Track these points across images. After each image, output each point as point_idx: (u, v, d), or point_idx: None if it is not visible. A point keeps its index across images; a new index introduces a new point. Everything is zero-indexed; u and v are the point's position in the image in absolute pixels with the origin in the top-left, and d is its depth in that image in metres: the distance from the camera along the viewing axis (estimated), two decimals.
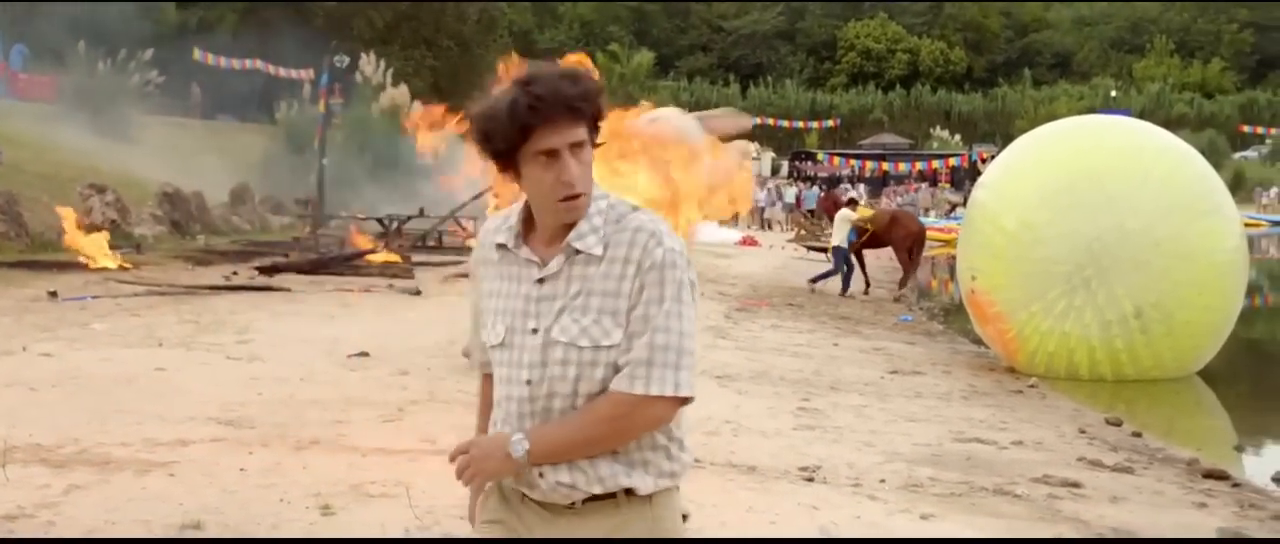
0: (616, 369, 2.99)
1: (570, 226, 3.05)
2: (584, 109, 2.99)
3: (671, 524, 3.16)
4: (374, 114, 42.13)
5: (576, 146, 3.00)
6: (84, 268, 19.76)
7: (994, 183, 16.32)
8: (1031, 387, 14.17)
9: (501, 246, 3.14)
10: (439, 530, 6.26)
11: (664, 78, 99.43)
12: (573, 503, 3.06)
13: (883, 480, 8.41)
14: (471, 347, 3.32)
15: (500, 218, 3.20)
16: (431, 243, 28.41)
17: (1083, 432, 11.34)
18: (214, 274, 20.49)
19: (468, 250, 27.16)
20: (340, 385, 10.65)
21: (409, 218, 29.00)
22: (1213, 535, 7.74)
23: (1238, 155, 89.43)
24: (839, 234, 24.59)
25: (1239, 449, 11.76)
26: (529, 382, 3.05)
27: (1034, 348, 15.00)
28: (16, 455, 7.41)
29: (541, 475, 3.03)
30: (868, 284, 24.78)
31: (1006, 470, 9.15)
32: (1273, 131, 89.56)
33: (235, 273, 20.65)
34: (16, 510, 6.34)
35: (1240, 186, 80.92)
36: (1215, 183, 15.62)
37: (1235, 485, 9.64)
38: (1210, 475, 9.81)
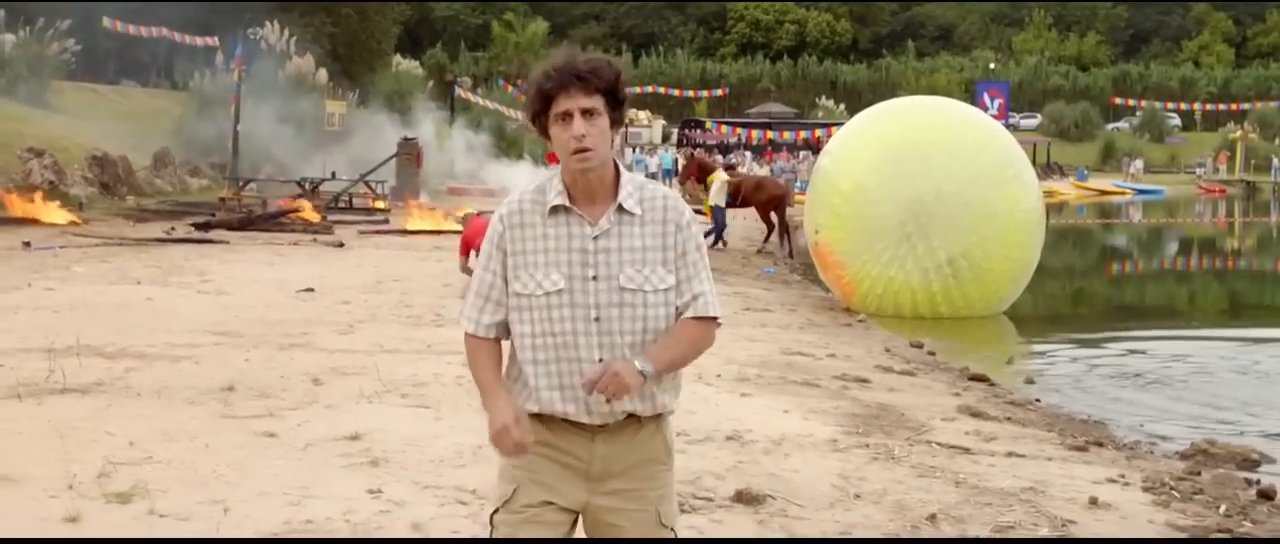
0: (674, 305, 3.57)
1: (609, 190, 3.55)
2: (593, 81, 3.49)
3: (673, 437, 3.75)
4: (280, 81, 44.12)
5: (588, 112, 3.47)
6: (35, 223, 22.16)
7: (834, 151, 19.21)
8: (860, 321, 17.15)
9: (557, 209, 3.51)
10: (398, 392, 9.01)
11: (558, 46, 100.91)
12: (606, 424, 3.56)
13: (719, 375, 11.25)
14: (471, 303, 3.64)
15: (533, 189, 3.61)
16: (342, 203, 30.87)
17: (888, 350, 14.33)
18: (154, 229, 22.98)
19: (375, 211, 29.77)
20: (298, 310, 13.37)
21: (323, 180, 31.49)
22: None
23: (1110, 126, 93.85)
24: (717, 196, 27.51)
25: (1009, 363, 14.78)
26: (598, 319, 3.48)
27: (866, 291, 17.94)
28: (77, 352, 10.04)
29: (608, 401, 3.47)
30: (723, 242, 27.61)
31: (815, 372, 12.05)
32: (1143, 104, 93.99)
33: (173, 229, 23.11)
34: (98, 380, 9.00)
35: (1110, 156, 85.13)
36: (1017, 154, 18.61)
37: (992, 385, 12.64)
38: (975, 378, 12.80)
